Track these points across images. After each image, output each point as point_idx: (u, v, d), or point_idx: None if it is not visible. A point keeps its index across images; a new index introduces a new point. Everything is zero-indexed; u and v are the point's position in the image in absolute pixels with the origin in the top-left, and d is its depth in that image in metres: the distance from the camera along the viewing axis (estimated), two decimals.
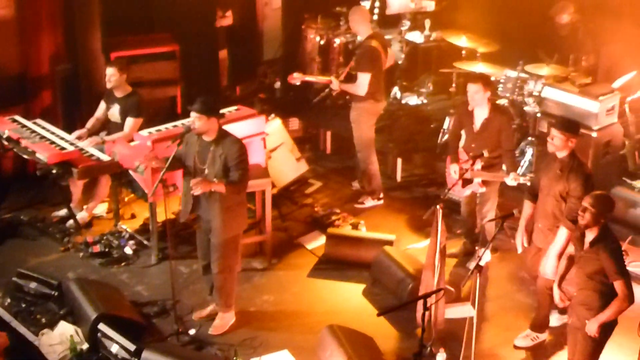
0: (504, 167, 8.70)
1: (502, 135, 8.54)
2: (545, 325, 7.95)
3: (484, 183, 8.62)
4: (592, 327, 6.65)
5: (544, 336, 7.94)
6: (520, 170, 9.79)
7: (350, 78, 10.16)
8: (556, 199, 7.55)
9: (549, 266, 7.50)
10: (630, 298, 6.51)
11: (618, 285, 6.49)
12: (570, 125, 7.57)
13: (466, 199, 9.02)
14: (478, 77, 8.77)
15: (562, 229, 7.39)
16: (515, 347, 7.92)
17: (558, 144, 7.46)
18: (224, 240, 7.74)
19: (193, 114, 7.42)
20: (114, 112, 9.51)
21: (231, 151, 7.46)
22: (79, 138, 9.42)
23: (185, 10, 11.53)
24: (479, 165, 8.42)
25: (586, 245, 6.62)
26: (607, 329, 6.72)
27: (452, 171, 8.84)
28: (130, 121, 9.37)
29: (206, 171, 7.55)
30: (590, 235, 6.59)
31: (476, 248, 9.19)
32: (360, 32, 10.11)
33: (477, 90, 8.48)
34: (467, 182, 8.52)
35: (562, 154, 7.51)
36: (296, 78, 10.32)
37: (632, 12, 10.27)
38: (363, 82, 9.85)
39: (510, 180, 8.33)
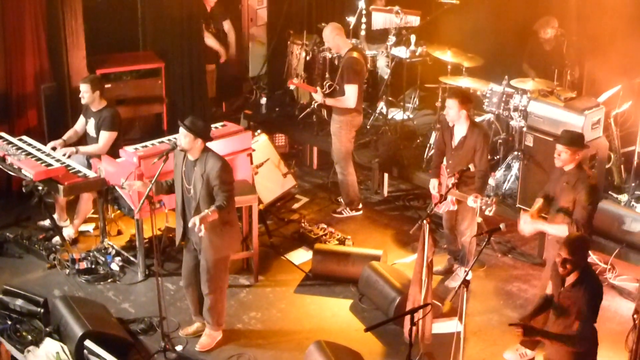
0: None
1: (476, 155, 8.48)
2: (536, 344, 7.85)
3: (457, 201, 8.54)
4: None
5: (532, 354, 7.89)
6: (507, 185, 9.82)
7: (333, 92, 10.16)
8: (565, 212, 7.56)
9: (528, 227, 7.66)
10: (579, 344, 6.49)
11: (578, 325, 6.48)
12: (575, 138, 7.63)
13: (446, 214, 8.99)
14: (457, 92, 8.78)
15: (564, 227, 7.40)
16: None
17: (565, 158, 7.54)
18: (214, 260, 7.70)
19: (182, 130, 7.42)
20: (90, 126, 9.55)
21: (213, 171, 7.42)
22: (54, 148, 9.43)
23: (170, 28, 11.53)
24: (451, 181, 8.30)
25: (568, 282, 6.58)
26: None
27: (431, 186, 8.86)
28: (104, 135, 9.38)
29: (191, 191, 7.53)
30: (572, 276, 6.55)
31: (455, 267, 9.17)
32: (340, 46, 10.15)
33: (451, 105, 8.47)
34: (443, 198, 8.47)
35: (568, 167, 7.58)
36: (295, 83, 10.86)
37: (615, 26, 10.30)
38: (351, 93, 9.85)
39: (471, 201, 8.09)
